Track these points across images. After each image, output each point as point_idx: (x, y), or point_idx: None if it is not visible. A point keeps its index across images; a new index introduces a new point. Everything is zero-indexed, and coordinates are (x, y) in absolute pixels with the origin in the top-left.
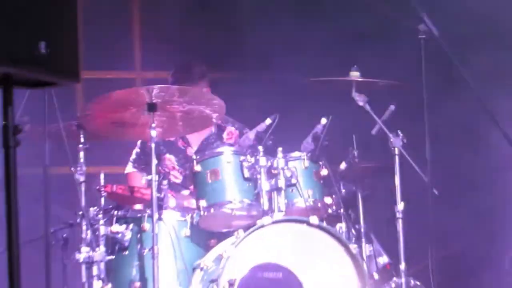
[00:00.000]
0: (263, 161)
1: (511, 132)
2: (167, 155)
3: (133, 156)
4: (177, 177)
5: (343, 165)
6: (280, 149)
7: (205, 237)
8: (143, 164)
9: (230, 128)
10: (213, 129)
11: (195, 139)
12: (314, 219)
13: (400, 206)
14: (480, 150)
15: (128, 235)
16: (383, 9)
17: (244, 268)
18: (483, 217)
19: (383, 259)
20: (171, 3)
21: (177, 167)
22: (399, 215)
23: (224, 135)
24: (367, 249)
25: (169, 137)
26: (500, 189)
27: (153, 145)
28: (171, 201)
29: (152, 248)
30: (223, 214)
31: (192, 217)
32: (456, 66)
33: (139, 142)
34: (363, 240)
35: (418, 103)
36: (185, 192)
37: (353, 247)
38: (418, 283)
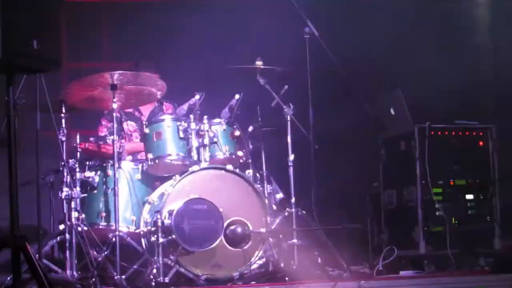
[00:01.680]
0: (193, 125)
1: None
2: (128, 122)
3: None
4: (137, 137)
5: (250, 128)
6: (205, 116)
7: (152, 180)
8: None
9: (167, 104)
10: (156, 103)
11: (146, 111)
12: (230, 167)
13: (291, 157)
14: (349, 116)
15: (97, 179)
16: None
17: (180, 202)
18: (351, 163)
19: (279, 195)
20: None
21: (137, 130)
22: (290, 163)
23: (163, 108)
24: (268, 188)
25: (126, 108)
26: (362, 142)
27: (115, 115)
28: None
29: (114, 188)
30: (165, 163)
31: (142, 166)
32: (330, 57)
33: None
34: (265, 181)
35: (304, 84)
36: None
37: (258, 186)
38: (304, 212)
